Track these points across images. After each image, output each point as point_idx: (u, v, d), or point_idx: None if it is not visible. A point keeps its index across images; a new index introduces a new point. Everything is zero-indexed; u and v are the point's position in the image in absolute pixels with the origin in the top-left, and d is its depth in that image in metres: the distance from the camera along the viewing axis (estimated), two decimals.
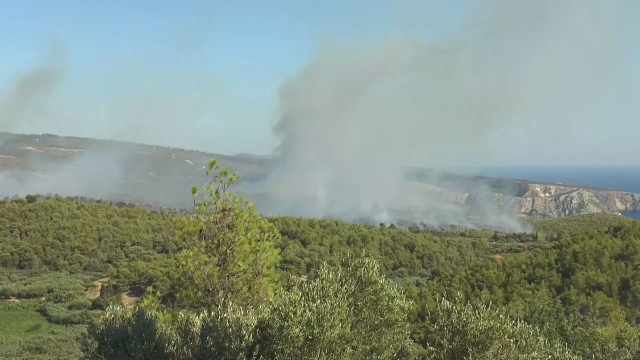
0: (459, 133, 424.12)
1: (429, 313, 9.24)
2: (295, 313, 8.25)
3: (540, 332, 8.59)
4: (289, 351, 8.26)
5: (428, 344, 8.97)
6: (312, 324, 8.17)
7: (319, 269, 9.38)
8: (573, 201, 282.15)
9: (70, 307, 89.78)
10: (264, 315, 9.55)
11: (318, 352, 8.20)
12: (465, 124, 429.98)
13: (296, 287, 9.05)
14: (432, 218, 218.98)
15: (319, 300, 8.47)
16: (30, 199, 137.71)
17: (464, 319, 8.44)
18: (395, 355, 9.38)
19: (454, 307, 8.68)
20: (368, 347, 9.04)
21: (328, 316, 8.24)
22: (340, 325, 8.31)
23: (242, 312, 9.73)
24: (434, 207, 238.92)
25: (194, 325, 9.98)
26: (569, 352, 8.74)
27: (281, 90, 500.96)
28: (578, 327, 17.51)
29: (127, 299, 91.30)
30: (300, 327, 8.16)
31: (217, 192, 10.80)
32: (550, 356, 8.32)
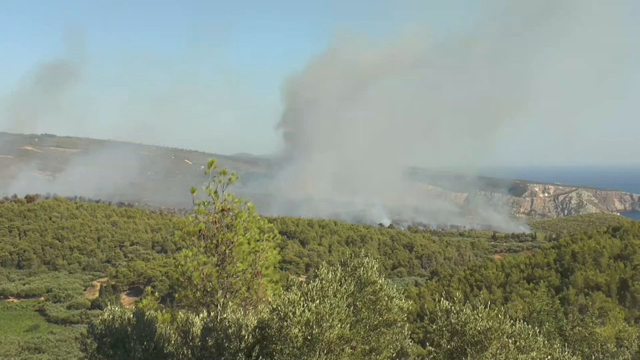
0: (462, 132, 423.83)
1: (428, 313, 9.28)
2: (294, 313, 8.24)
3: (539, 332, 8.59)
4: (288, 351, 8.25)
5: (427, 344, 8.97)
6: (311, 324, 8.17)
7: (318, 269, 9.36)
8: (572, 201, 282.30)
9: (69, 307, 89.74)
10: (263, 316, 9.55)
11: (317, 352, 8.19)
12: (469, 123, 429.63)
13: (295, 287, 9.03)
14: (431, 218, 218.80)
15: (318, 301, 8.46)
16: (29, 198, 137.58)
17: (463, 319, 8.45)
18: (394, 355, 9.37)
19: (453, 307, 8.68)
20: (367, 347, 9.03)
21: (327, 316, 8.24)
22: (339, 325, 8.30)
23: (242, 312, 9.72)
24: (433, 207, 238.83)
25: (193, 326, 9.97)
26: (568, 352, 8.75)
27: (286, 86, 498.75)
28: (577, 327, 17.47)
29: (126, 299, 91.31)
30: (299, 327, 8.15)
31: (216, 192, 10.78)
32: (549, 356, 8.32)
